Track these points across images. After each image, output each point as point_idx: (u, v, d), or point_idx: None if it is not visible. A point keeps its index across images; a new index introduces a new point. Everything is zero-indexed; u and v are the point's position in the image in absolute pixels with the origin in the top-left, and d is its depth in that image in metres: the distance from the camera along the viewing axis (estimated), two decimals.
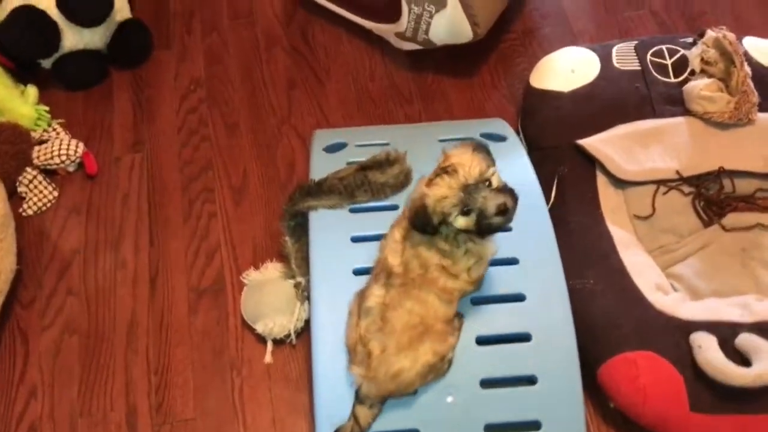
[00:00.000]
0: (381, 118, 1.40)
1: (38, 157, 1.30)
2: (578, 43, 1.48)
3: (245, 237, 1.27)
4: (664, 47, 1.32)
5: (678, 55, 1.30)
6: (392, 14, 1.35)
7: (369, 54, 1.49)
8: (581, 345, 1.01)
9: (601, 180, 1.20)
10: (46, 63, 1.39)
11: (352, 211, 1.12)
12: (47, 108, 1.37)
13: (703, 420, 0.99)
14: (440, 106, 1.42)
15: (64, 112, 1.41)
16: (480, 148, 0.85)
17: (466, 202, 0.82)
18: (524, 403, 0.98)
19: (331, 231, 1.10)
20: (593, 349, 1.04)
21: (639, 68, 1.30)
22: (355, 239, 1.09)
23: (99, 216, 1.30)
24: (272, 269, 1.16)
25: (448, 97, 1.43)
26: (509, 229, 1.12)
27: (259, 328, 1.14)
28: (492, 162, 0.85)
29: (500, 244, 0.97)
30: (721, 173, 1.20)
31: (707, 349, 0.96)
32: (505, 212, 0.83)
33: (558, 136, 1.25)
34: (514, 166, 1.19)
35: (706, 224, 1.21)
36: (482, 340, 1.01)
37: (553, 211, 1.20)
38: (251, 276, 1.17)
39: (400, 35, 1.36)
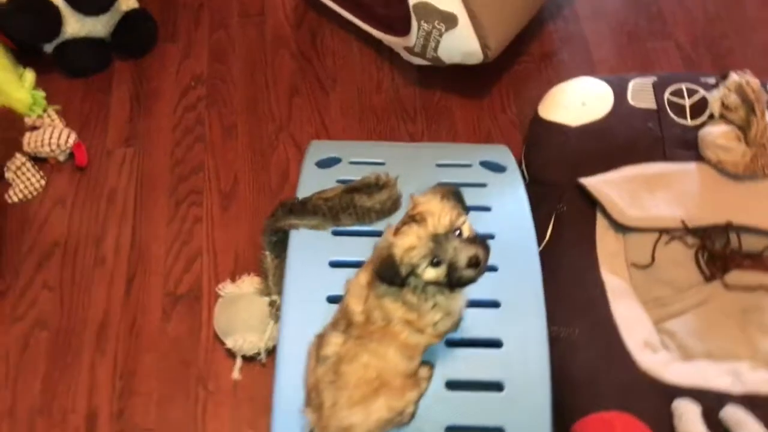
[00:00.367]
0: (382, 134, 1.36)
1: (29, 144, 1.28)
2: (596, 72, 1.42)
3: (228, 245, 1.24)
4: (683, 86, 1.26)
5: (697, 97, 1.24)
6: (403, 27, 1.30)
7: (378, 65, 1.45)
8: (557, 397, 0.96)
9: (601, 223, 1.15)
10: (48, 47, 1.37)
11: (335, 233, 1.08)
12: (44, 94, 1.35)
13: None
14: (444, 125, 1.37)
15: (62, 99, 1.38)
16: (450, 194, 0.80)
17: (435, 253, 0.77)
18: None
19: (310, 253, 1.06)
20: (569, 403, 0.99)
21: (654, 107, 1.23)
22: (334, 264, 1.05)
23: (84, 210, 1.27)
24: (249, 284, 1.13)
25: (454, 117, 1.38)
26: (494, 269, 1.09)
27: (230, 343, 1.10)
28: (463, 209, 0.80)
29: (483, 284, 0.91)
30: (729, 228, 1.14)
31: (688, 420, 0.90)
32: (477, 264, 0.78)
33: (560, 172, 1.19)
34: (510, 200, 1.14)
35: (707, 280, 1.14)
36: (453, 385, 0.97)
37: (545, 251, 1.16)
38: (227, 289, 1.13)
39: (409, 50, 1.31)
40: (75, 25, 1.33)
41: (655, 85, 1.28)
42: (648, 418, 0.96)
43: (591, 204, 1.16)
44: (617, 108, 1.24)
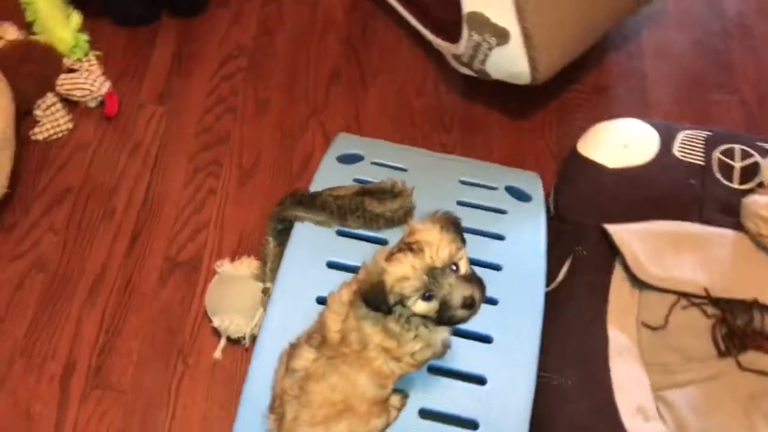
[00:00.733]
0: (414, 139, 1.31)
1: (62, 85, 1.28)
2: (649, 115, 1.35)
3: (237, 222, 1.22)
4: (737, 147, 1.18)
5: (750, 160, 1.16)
6: (455, 32, 1.25)
7: (423, 67, 1.40)
8: None
9: (618, 274, 1.09)
10: None
11: (340, 233, 1.05)
12: (87, 38, 1.34)
13: None
14: (480, 141, 1.32)
15: (105, 46, 1.38)
16: (450, 225, 0.75)
17: (429, 287, 0.72)
18: None
19: (310, 249, 1.03)
20: None
21: (701, 163, 1.16)
22: (332, 265, 1.02)
23: (104, 159, 1.27)
24: (246, 266, 1.11)
25: (491, 135, 1.33)
26: (494, 302, 1.04)
27: (216, 322, 1.08)
28: (462, 243, 0.75)
29: (479, 316, 0.87)
30: (755, 305, 1.07)
31: None
32: (472, 306, 0.73)
33: (587, 213, 1.13)
34: (527, 233, 1.09)
35: (721, 355, 1.08)
36: (426, 414, 0.93)
37: (554, 293, 1.10)
38: (224, 267, 1.12)
39: (457, 58, 1.27)
40: None
41: (706, 140, 1.21)
42: None
43: (611, 252, 1.10)
44: (660, 157, 1.17)
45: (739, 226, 1.12)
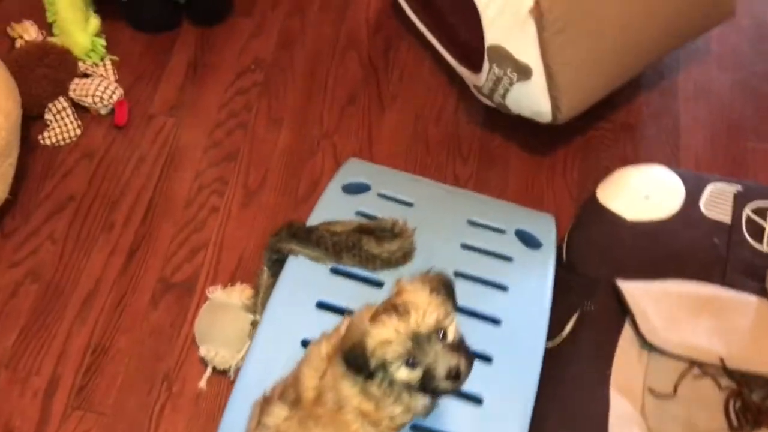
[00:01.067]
0: (427, 168, 1.26)
1: (74, 90, 1.26)
2: (679, 160, 1.28)
3: (236, 245, 1.18)
4: None
5: None
6: (477, 62, 1.20)
7: (444, 93, 1.34)
8: None
9: (627, 335, 1.02)
10: None
11: (333, 271, 1.01)
12: (104, 42, 1.32)
13: None
14: (496, 175, 1.26)
15: (122, 51, 1.36)
16: (441, 287, 0.70)
17: (413, 354, 0.68)
18: None
19: (301, 286, 0.98)
20: None
21: (728, 221, 1.08)
22: (321, 305, 0.98)
23: (109, 169, 1.25)
24: (238, 294, 1.07)
25: (508, 169, 1.27)
26: (488, 359, 0.98)
27: (202, 351, 1.05)
28: (453, 306, 0.70)
29: (472, 373, 0.82)
30: None
31: None
32: (457, 377, 0.69)
33: (599, 266, 1.06)
34: (532, 285, 1.03)
35: (733, 430, 1.01)
36: None
37: (556, 349, 1.04)
38: (215, 294, 1.08)
39: (478, 88, 1.21)
40: None
41: (737, 196, 1.13)
42: None
43: (622, 311, 1.03)
44: (684, 212, 1.10)
45: (763, 293, 1.04)
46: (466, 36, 1.30)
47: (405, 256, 0.99)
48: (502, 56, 1.10)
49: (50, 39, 1.32)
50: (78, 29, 1.29)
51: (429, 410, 0.80)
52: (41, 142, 1.26)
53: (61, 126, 1.25)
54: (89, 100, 1.26)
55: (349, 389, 0.72)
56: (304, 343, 0.93)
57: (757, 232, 1.09)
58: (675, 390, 1.04)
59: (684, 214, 1.10)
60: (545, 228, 1.14)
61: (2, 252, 1.17)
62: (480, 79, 1.18)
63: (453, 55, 1.29)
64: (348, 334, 0.71)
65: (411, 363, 0.69)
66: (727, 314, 1.05)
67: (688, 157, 1.29)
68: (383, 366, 0.69)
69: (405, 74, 1.37)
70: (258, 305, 1.05)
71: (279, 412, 0.76)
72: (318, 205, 1.08)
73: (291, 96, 1.34)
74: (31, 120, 1.26)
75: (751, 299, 1.05)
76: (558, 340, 1.04)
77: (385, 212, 1.09)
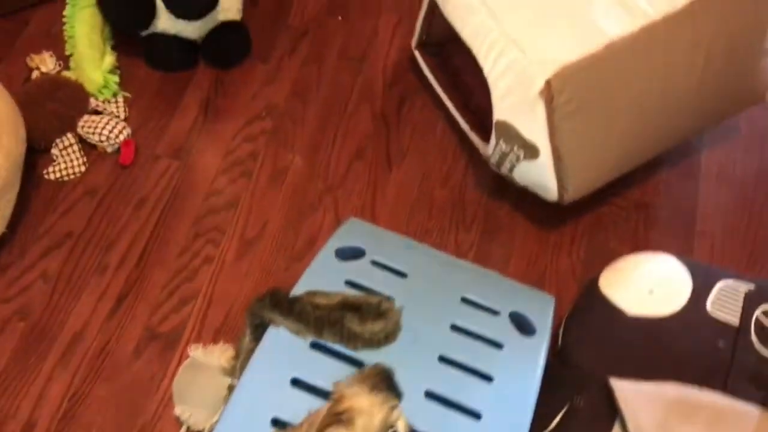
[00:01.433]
0: (428, 233, 1.23)
1: (83, 127, 1.26)
2: (693, 246, 1.22)
3: (227, 297, 1.16)
4: None
5: None
6: (489, 131, 1.17)
7: (455, 155, 1.31)
8: None
9: None
10: (142, 33, 1.35)
11: (313, 345, 0.98)
12: (117, 79, 1.33)
13: None
14: (499, 247, 1.22)
15: (136, 88, 1.36)
16: (381, 383, 0.67)
17: None
18: None
19: (277, 360, 0.95)
20: None
21: (736, 323, 1.03)
22: (296, 382, 0.95)
23: (109, 209, 1.24)
24: (219, 355, 1.05)
25: (513, 242, 1.23)
26: None
27: (178, 411, 1.03)
28: (397, 396, 0.67)
29: None
30: None
31: None
32: None
33: (593, 360, 1.02)
34: (519, 378, 0.97)
35: None
36: None
37: None
38: (196, 353, 1.06)
39: (486, 158, 1.18)
40: (167, 22, 1.29)
41: (748, 296, 1.07)
42: None
43: (612, 410, 0.98)
44: (689, 310, 1.04)
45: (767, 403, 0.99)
46: (480, 102, 1.27)
47: (388, 337, 0.96)
48: (510, 133, 1.06)
49: (65, 72, 1.33)
50: (92, 66, 1.30)
51: None
52: (45, 176, 1.26)
53: (66, 162, 1.26)
54: (96, 138, 1.26)
55: None
56: (275, 422, 0.90)
57: (766, 337, 1.03)
58: None
59: (688, 313, 1.05)
60: (542, 311, 1.09)
61: None
62: (488, 150, 1.15)
63: (465, 119, 1.26)
64: None
65: None
66: (725, 424, 0.99)
67: (703, 244, 1.23)
68: None
69: (416, 132, 1.35)
70: (237, 369, 1.03)
71: None
72: (308, 272, 1.05)
73: (298, 146, 1.32)
74: (38, 153, 1.27)
75: (753, 410, 0.99)
76: None
77: (377, 282, 1.06)
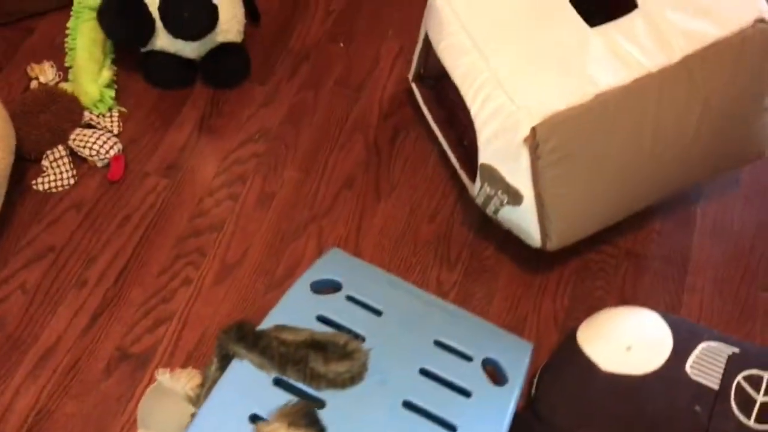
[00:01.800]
0: (410, 269, 1.21)
1: (74, 140, 1.27)
2: (682, 300, 1.19)
3: (202, 320, 1.15)
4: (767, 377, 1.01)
5: None
6: (476, 170, 1.15)
7: (444, 191, 1.29)
8: None
9: None
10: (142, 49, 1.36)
11: (276, 382, 0.96)
12: (113, 94, 1.33)
13: None
14: (481, 288, 1.20)
15: (132, 103, 1.36)
16: (300, 420, 0.66)
17: None
18: None
19: (238, 395, 0.93)
20: None
21: (715, 387, 0.99)
22: (255, 419, 0.94)
23: (94, 223, 1.24)
24: (186, 380, 1.04)
25: (496, 283, 1.21)
26: None
27: None
28: (320, 430, 0.65)
29: None
30: None
31: None
32: None
33: (565, 416, 0.99)
34: (484, 425, 0.94)
35: None
36: None
37: None
38: (163, 378, 1.05)
39: (473, 197, 1.16)
40: (166, 41, 1.30)
41: (731, 359, 1.03)
42: None
43: None
44: (667, 369, 1.01)
45: None
46: (474, 139, 1.25)
47: (353, 379, 0.94)
48: (494, 177, 1.04)
49: (63, 84, 1.34)
50: (89, 79, 1.30)
51: None
52: (34, 187, 1.26)
53: (56, 173, 1.26)
54: (87, 152, 1.26)
55: None
56: None
57: (747, 404, 0.99)
58: None
59: (666, 373, 1.01)
60: (518, 359, 1.06)
61: None
62: (474, 190, 1.13)
63: (457, 155, 1.24)
64: None
65: None
66: None
67: (692, 299, 1.20)
68: None
69: (408, 165, 1.33)
70: (202, 398, 1.02)
71: None
72: (280, 304, 1.04)
73: (288, 172, 1.31)
74: (28, 163, 1.28)
75: None
76: None
77: (349, 319, 1.05)
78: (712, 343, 1.04)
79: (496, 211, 1.09)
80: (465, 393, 0.98)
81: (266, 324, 1.00)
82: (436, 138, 1.32)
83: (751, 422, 0.97)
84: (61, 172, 1.26)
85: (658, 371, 1.00)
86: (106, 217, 1.25)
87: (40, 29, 1.45)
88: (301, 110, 1.39)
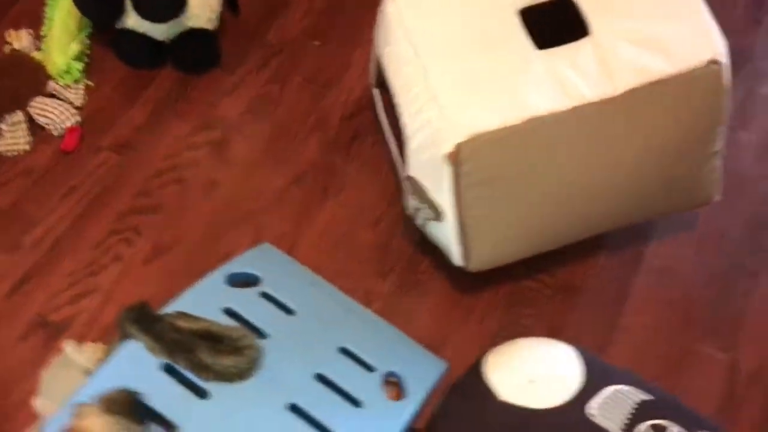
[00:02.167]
0: (341, 274, 1.18)
1: (33, 107, 1.29)
2: (611, 343, 1.15)
3: (123, 299, 1.15)
4: (674, 429, 0.96)
5: None
6: None
7: (391, 200, 1.27)
8: None
9: None
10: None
11: (165, 368, 0.95)
12: (81, 67, 1.35)
13: None
14: (409, 302, 1.18)
15: (100, 78, 1.37)
16: (116, 406, 0.65)
17: None
18: None
19: (124, 374, 0.91)
20: None
21: None
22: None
23: (41, 191, 1.26)
24: (90, 354, 1.03)
25: (425, 299, 1.18)
26: None
27: (38, 403, 1.03)
28: (138, 424, 0.64)
29: None
30: None
31: None
32: None
33: None
34: None
35: None
36: None
37: None
38: (68, 349, 1.05)
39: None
40: (135, 21, 1.31)
41: (641, 406, 0.99)
42: None
43: None
44: (567, 407, 0.97)
45: None
46: None
47: (240, 374, 0.92)
48: (420, 191, 1.02)
49: (35, 53, 1.36)
50: (58, 50, 1.33)
51: None
52: None
53: (12, 138, 1.28)
54: (44, 120, 1.28)
55: None
56: None
57: None
58: None
59: (565, 411, 0.97)
60: (425, 377, 1.04)
61: None
62: (405, 199, 1.11)
63: (401, 163, 1.23)
64: None
65: None
66: None
67: (623, 340, 1.15)
68: None
69: (361, 169, 1.31)
70: None
71: None
72: (188, 291, 1.03)
73: (239, 162, 1.31)
74: None
75: None
76: None
77: (257, 315, 1.03)
78: (625, 388, 1.00)
79: (423, 225, 1.07)
80: (356, 403, 0.96)
81: (170, 309, 1.00)
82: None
83: None
84: (17, 138, 1.28)
85: (558, 408, 0.96)
86: (54, 186, 1.27)
87: None
88: (264, 103, 1.39)
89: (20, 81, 1.29)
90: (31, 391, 1.06)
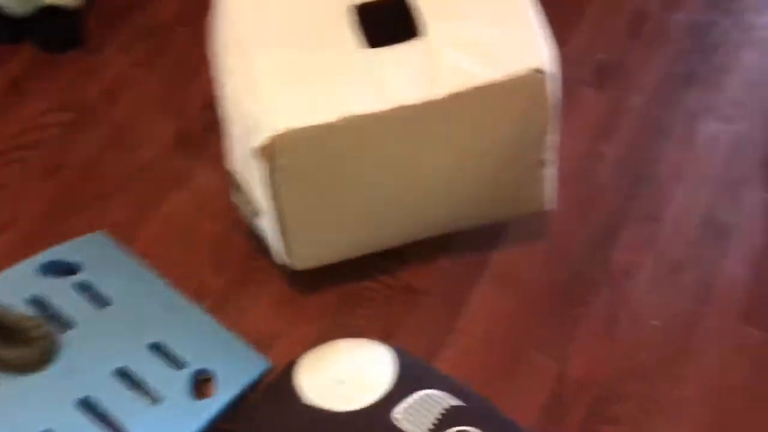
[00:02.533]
0: (177, 266, 1.13)
1: None
2: (444, 346, 1.12)
3: None
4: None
5: None
6: None
7: None
8: None
9: None
10: None
11: None
12: None
13: None
14: (242, 299, 1.13)
15: None
16: None
17: None
18: None
19: None
20: None
21: None
22: None
23: None
24: None
25: (259, 297, 1.13)
26: None
27: None
28: None
29: None
30: None
31: None
32: None
33: None
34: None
35: None
36: None
37: None
38: None
39: None
40: None
41: (449, 412, 0.97)
42: None
43: None
44: (372, 410, 0.95)
45: None
46: None
47: (27, 366, 0.90)
48: (240, 185, 1.01)
49: None
50: None
51: None
52: None
53: None
54: None
55: None
56: None
57: None
58: None
59: (369, 414, 0.96)
60: (240, 375, 1.03)
61: None
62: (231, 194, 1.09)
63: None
64: None
65: None
66: None
67: (456, 343, 1.13)
68: None
69: (213, 160, 1.25)
70: None
71: None
72: None
73: (86, 147, 1.27)
74: None
75: None
76: None
77: (66, 305, 1.01)
78: (437, 393, 0.99)
79: (249, 220, 1.05)
80: (155, 400, 0.94)
81: None
82: None
83: None
84: None
85: (362, 411, 0.95)
86: None
87: None
88: (123, 86, 1.35)
89: None
90: None
